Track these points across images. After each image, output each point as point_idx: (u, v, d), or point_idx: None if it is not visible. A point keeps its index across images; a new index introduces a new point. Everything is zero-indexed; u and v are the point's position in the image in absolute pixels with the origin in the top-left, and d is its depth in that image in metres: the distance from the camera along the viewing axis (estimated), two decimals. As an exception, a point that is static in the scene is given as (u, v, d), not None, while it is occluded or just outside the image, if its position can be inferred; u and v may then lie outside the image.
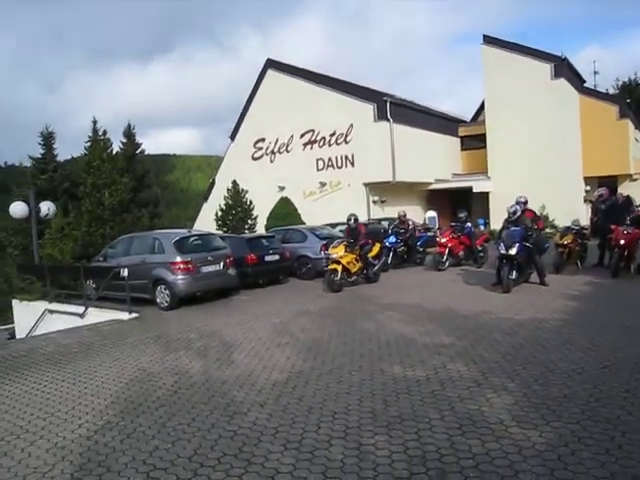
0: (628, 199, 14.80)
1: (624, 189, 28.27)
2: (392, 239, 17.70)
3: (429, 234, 20.85)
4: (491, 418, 4.92)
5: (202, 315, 11.46)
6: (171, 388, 6.41)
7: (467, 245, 16.82)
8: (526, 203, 13.15)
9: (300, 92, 29.84)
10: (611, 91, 43.72)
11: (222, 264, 13.02)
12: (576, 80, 30.30)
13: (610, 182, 28.29)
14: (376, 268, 14.98)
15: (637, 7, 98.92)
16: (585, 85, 32.93)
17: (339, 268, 13.65)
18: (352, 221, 14.81)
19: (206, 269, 12.70)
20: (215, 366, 7.27)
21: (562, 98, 27.69)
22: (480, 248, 16.97)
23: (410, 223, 18.76)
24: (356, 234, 14.51)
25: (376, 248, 15.21)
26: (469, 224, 17.19)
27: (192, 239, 13.32)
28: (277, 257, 15.37)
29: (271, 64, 32.30)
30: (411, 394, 5.68)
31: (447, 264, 16.29)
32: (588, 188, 27.58)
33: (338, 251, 13.86)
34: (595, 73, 43.31)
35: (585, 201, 26.61)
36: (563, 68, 28.55)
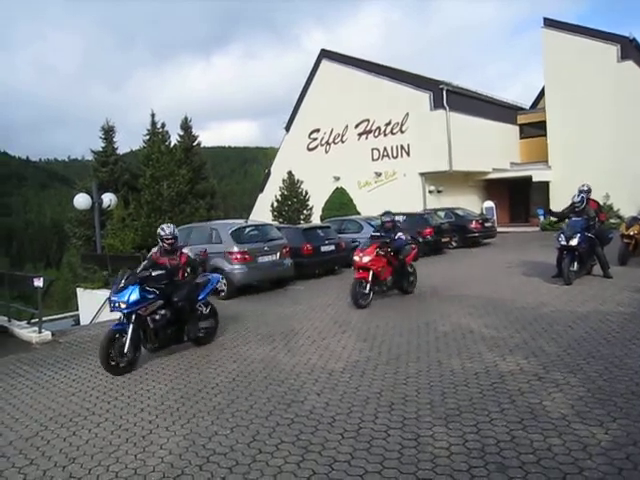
0: None
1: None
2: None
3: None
4: (553, 413, 4.79)
5: (259, 305, 11.59)
6: (229, 375, 6.52)
7: (396, 266, 11.36)
8: (589, 192, 12.70)
9: (354, 82, 29.75)
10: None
11: (278, 254, 13.13)
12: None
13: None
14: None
15: None
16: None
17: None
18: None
19: (263, 259, 12.83)
20: (272, 354, 7.35)
21: (629, 81, 26.45)
22: (410, 269, 11.97)
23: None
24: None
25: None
26: (400, 233, 11.45)
27: (249, 229, 13.47)
28: (333, 247, 15.38)
29: (325, 54, 32.30)
30: (469, 386, 5.60)
31: (371, 297, 10.78)
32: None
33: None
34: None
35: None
36: (631, 49, 27.25)
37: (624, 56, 26.98)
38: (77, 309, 18.79)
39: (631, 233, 13.58)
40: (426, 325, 8.52)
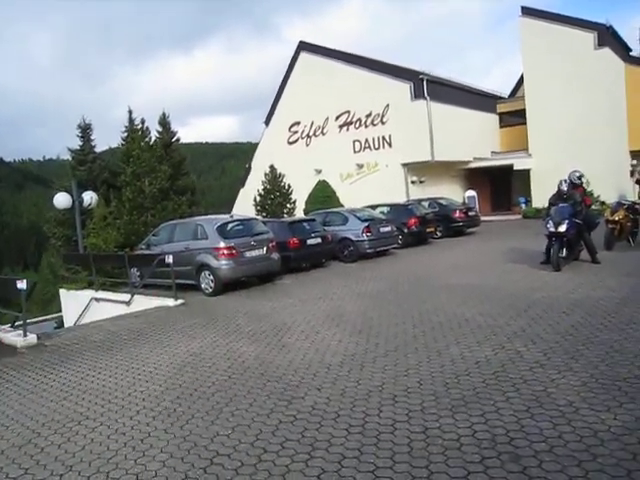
0: None
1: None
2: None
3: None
4: (559, 400, 4.73)
5: (248, 300, 11.44)
6: (225, 373, 6.37)
7: None
8: (581, 178, 12.73)
9: (333, 73, 29.57)
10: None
11: (265, 249, 12.98)
12: (621, 49, 29.11)
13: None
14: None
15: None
16: (631, 54, 31.67)
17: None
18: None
19: (249, 254, 12.66)
20: (267, 350, 7.22)
21: (606, 68, 26.60)
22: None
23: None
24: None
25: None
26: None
27: (234, 224, 13.28)
28: (319, 240, 15.28)
29: (303, 46, 32.07)
30: (472, 376, 5.52)
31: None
32: (634, 162, 26.65)
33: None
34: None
35: (632, 176, 25.72)
36: (607, 37, 27.39)
37: (601, 43, 27.10)
38: (60, 311, 18.45)
39: (616, 218, 13.67)
40: (420, 315, 8.44)
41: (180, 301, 11.73)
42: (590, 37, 27.19)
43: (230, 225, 13.07)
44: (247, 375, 6.22)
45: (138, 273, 14.33)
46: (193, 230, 13.27)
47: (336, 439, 4.34)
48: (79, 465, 4.32)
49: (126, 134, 26.24)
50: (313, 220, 16.36)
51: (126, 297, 13.45)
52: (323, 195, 23.25)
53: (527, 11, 29.33)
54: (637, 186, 15.28)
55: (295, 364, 6.46)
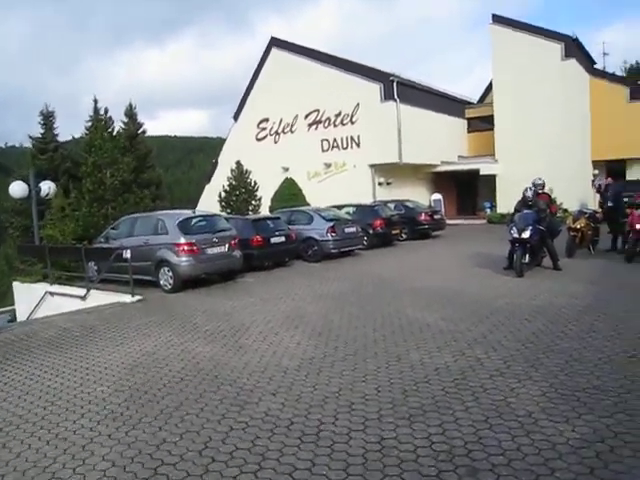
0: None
1: (632, 173, 27.92)
2: None
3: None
4: (518, 410, 4.63)
5: (207, 298, 11.17)
6: (177, 375, 6.12)
7: None
8: (543, 186, 12.83)
9: (305, 71, 29.38)
10: (618, 74, 42.99)
11: (227, 246, 12.71)
12: (587, 62, 29.66)
13: (619, 166, 27.90)
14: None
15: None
16: (595, 67, 32.29)
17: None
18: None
19: (211, 251, 12.38)
20: (223, 351, 6.99)
21: (572, 79, 27.09)
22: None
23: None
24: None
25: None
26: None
27: (197, 220, 12.98)
28: (283, 239, 15.07)
29: (275, 43, 31.79)
30: (431, 383, 5.39)
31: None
32: (596, 172, 27.10)
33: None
34: (604, 55, 42.47)
35: (593, 185, 26.15)
36: (574, 48, 27.92)
37: (568, 55, 27.58)
38: (13, 304, 17.84)
39: (578, 226, 13.84)
40: (382, 318, 8.32)
41: (137, 297, 11.40)
42: (557, 48, 27.64)
43: (192, 221, 12.78)
44: (200, 377, 5.99)
45: (96, 267, 13.90)
46: (154, 225, 12.92)
47: (288, 448, 4.15)
48: (11, 475, 4.02)
49: (91, 123, 25.65)
50: (277, 218, 16.14)
51: (82, 292, 13.05)
52: (289, 193, 23.02)
53: (498, 19, 29.63)
54: (598, 195, 15.46)
55: (251, 367, 6.25)
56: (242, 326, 8.37)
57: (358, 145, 28.25)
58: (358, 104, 27.88)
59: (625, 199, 14.92)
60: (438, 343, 6.77)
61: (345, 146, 28.74)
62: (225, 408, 5.04)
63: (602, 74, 30.16)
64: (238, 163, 23.94)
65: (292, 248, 15.40)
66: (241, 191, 23.14)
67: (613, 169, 27.48)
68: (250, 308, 9.78)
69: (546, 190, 13.68)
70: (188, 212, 13.46)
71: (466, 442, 4.10)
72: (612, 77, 30.36)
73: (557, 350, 6.25)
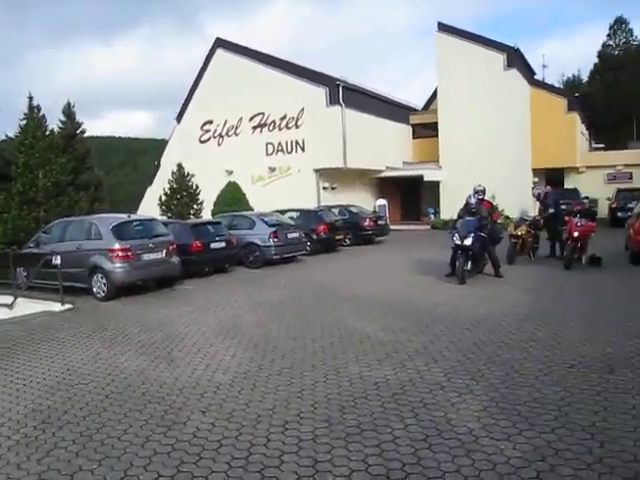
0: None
1: (569, 182, 28.75)
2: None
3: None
4: (459, 427, 4.46)
5: (142, 307, 10.68)
6: (102, 392, 5.70)
7: None
8: (484, 192, 12.90)
9: (250, 73, 28.99)
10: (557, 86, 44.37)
11: (164, 251, 12.25)
12: (528, 72, 30.40)
13: (557, 175, 28.69)
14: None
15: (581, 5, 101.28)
16: (535, 78, 33.15)
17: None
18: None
19: (147, 257, 11.90)
20: (153, 365, 6.59)
21: (514, 89, 27.69)
22: None
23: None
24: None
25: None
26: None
27: (132, 224, 12.46)
28: (223, 244, 14.68)
29: (220, 43, 31.30)
30: (369, 399, 5.17)
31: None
32: (536, 180, 27.78)
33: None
34: (544, 67, 43.79)
35: (533, 193, 26.76)
36: (516, 59, 28.55)
37: (510, 64, 28.18)
38: None
39: (519, 233, 14.01)
40: (322, 329, 8.08)
41: (67, 306, 10.81)
42: (500, 58, 28.19)
43: (127, 225, 12.25)
44: (127, 395, 5.59)
45: (25, 274, 13.17)
46: (86, 229, 12.32)
47: (215, 475, 3.85)
48: None
49: (25, 122, 24.50)
50: (218, 223, 15.73)
51: (9, 300, 12.28)
52: (232, 197, 22.56)
53: (443, 27, 30.00)
54: (538, 203, 15.74)
55: (182, 382, 5.89)
56: (176, 337, 7.98)
57: (303, 149, 28.07)
58: (303, 108, 27.70)
59: (563, 207, 15.21)
60: (378, 355, 6.57)
61: (290, 150, 28.51)
62: (150, 429, 4.68)
63: (542, 85, 30.98)
64: (179, 165, 23.32)
65: (233, 254, 15.02)
66: (182, 195, 22.53)
67: (552, 178, 28.28)
68: (186, 317, 9.38)
69: (488, 197, 13.80)
70: (123, 216, 12.91)
71: (404, 464, 3.88)
72: (551, 88, 31.24)
73: (498, 361, 6.15)
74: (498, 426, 4.46)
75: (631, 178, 29.38)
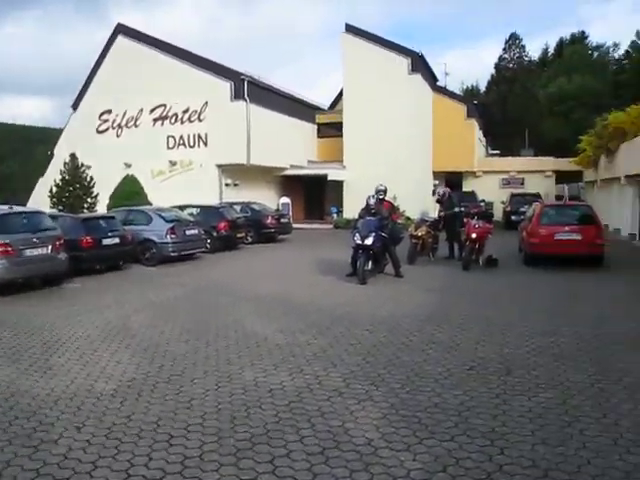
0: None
1: (467, 185, 29.82)
2: None
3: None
4: (357, 438, 4.23)
5: (22, 307, 9.75)
6: (-39, 406, 5.03)
7: None
8: (385, 192, 12.92)
9: (151, 63, 27.79)
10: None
11: (50, 247, 11.33)
12: (431, 78, 31.16)
13: (456, 178, 29.66)
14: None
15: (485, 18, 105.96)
16: (438, 84, 34.10)
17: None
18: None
19: (30, 252, 10.96)
20: (27, 375, 5.92)
21: (417, 93, 28.23)
22: None
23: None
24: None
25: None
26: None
27: (13, 217, 11.46)
28: (117, 240, 13.82)
29: (121, 30, 29.79)
30: (264, 408, 4.85)
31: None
32: (437, 182, 28.55)
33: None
34: (446, 74, 45.13)
35: (434, 194, 27.48)
36: (420, 64, 29.10)
37: (414, 69, 28.66)
38: None
39: (419, 234, 14.17)
40: (217, 331, 7.67)
41: None
42: (405, 62, 28.55)
43: (7, 218, 11.25)
44: (-10, 409, 4.96)
45: None
46: (-40, 222, 11.19)
47: (84, 503, 3.39)
48: None
49: None
50: (112, 218, 14.84)
51: None
52: (130, 191, 21.46)
53: (350, 29, 30.04)
54: (438, 205, 16.07)
55: (57, 393, 5.31)
56: (57, 341, 7.30)
57: (205, 144, 27.26)
58: (207, 102, 26.90)
59: (462, 209, 15.57)
60: (275, 359, 6.26)
61: (192, 144, 27.61)
62: (13, 452, 4.10)
63: (444, 91, 31.96)
64: (73, 156, 21.94)
65: (128, 250, 14.21)
66: (75, 187, 21.21)
67: (451, 180, 29.20)
68: (71, 319, 8.64)
69: (389, 198, 13.87)
70: (4, 207, 11.86)
71: (298, 482, 3.59)
72: (452, 95, 32.28)
73: (398, 364, 6.02)
74: (398, 435, 4.28)
75: (523, 183, 31.00)
